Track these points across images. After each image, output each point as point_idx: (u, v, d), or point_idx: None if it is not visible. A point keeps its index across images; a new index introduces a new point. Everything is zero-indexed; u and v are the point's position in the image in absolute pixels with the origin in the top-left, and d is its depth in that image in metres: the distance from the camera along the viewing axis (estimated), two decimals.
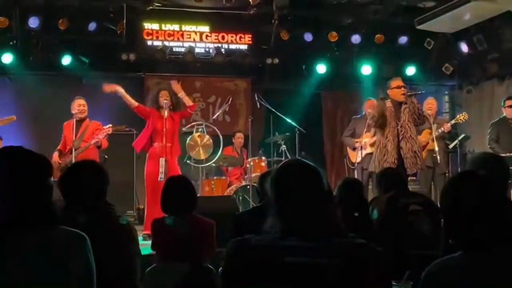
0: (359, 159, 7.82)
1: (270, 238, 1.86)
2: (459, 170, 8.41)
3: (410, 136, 6.33)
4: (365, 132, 7.71)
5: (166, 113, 6.91)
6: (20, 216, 1.94)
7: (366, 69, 10.42)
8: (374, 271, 1.82)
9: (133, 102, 7.09)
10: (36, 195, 1.98)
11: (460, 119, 7.84)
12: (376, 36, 9.89)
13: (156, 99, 7.07)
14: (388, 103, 6.44)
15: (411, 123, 6.36)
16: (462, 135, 8.63)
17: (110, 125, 7.02)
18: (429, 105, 7.87)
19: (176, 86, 7.25)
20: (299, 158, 2.04)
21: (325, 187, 1.92)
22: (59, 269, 1.92)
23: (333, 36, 9.80)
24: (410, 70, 10.56)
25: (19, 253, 1.91)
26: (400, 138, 6.31)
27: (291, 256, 1.79)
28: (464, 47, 9.97)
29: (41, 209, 1.98)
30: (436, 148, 7.34)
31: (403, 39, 10.12)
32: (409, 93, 6.45)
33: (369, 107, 7.77)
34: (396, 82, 6.51)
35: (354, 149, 8.03)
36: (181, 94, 7.22)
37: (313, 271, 1.79)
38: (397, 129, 6.33)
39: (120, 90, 7.08)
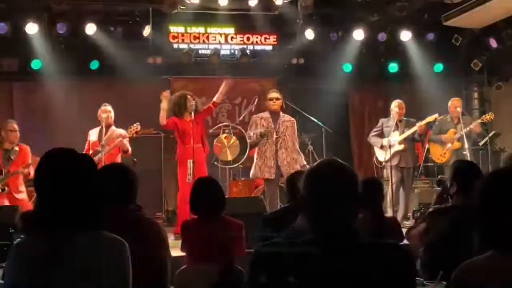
0: (387, 157, 7.78)
1: (299, 243, 1.82)
2: (489, 167, 8.28)
3: (288, 146, 7.05)
4: (393, 131, 7.82)
5: (192, 115, 6.99)
6: (66, 218, 1.97)
7: (393, 67, 10.33)
8: (403, 272, 1.80)
9: (164, 119, 7.12)
10: (81, 197, 2.00)
11: (486, 119, 7.79)
12: (403, 33, 9.79)
13: (181, 103, 7.13)
14: (266, 114, 7.18)
15: (290, 137, 7.09)
16: (492, 132, 8.52)
17: (138, 123, 7.11)
18: (455, 104, 7.84)
19: (226, 84, 7.38)
20: (334, 158, 1.95)
21: (359, 189, 1.87)
22: (98, 274, 1.94)
23: (359, 34, 9.73)
24: (438, 67, 10.45)
25: (62, 255, 1.93)
26: (278, 147, 7.00)
27: (321, 265, 1.75)
28: (492, 43, 9.82)
29: (87, 212, 2.00)
30: (466, 146, 7.39)
31: (430, 36, 10.01)
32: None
33: (400, 108, 7.88)
34: (272, 94, 7.26)
35: (381, 147, 7.99)
36: (222, 91, 7.34)
37: (344, 278, 1.75)
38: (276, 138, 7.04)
39: (165, 102, 7.14)
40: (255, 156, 7.18)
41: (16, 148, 6.96)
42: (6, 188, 6.81)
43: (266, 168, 6.96)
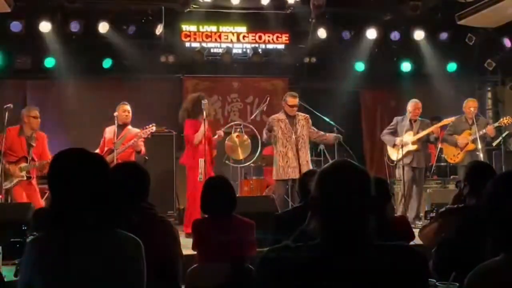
0: (399, 156, 7.75)
1: (308, 247, 1.79)
2: (503, 168, 8.22)
3: (306, 145, 7.24)
4: (407, 131, 7.79)
5: (205, 114, 7.01)
6: (79, 217, 1.98)
7: (406, 66, 10.27)
8: (416, 274, 1.79)
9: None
10: (93, 196, 2.01)
11: (504, 123, 7.73)
12: (416, 32, 9.74)
13: (197, 105, 7.15)
14: (282, 115, 7.21)
15: (306, 135, 7.20)
16: (506, 132, 8.44)
17: (153, 124, 7.15)
18: (470, 105, 7.79)
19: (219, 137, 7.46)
20: (347, 159, 1.91)
21: (372, 192, 1.83)
22: (112, 273, 1.95)
23: (372, 33, 9.69)
24: (451, 67, 10.38)
25: (76, 253, 1.95)
26: (298, 148, 7.05)
27: (331, 269, 1.74)
28: (507, 42, 9.74)
29: (100, 211, 2.01)
30: (480, 146, 7.35)
31: (443, 35, 9.94)
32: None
33: (416, 107, 7.84)
34: (292, 100, 7.20)
35: (393, 146, 7.96)
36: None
37: (355, 282, 1.74)
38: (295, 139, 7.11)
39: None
40: (277, 158, 7.19)
41: (35, 135, 7.04)
42: (31, 176, 6.90)
43: (290, 169, 7.03)
